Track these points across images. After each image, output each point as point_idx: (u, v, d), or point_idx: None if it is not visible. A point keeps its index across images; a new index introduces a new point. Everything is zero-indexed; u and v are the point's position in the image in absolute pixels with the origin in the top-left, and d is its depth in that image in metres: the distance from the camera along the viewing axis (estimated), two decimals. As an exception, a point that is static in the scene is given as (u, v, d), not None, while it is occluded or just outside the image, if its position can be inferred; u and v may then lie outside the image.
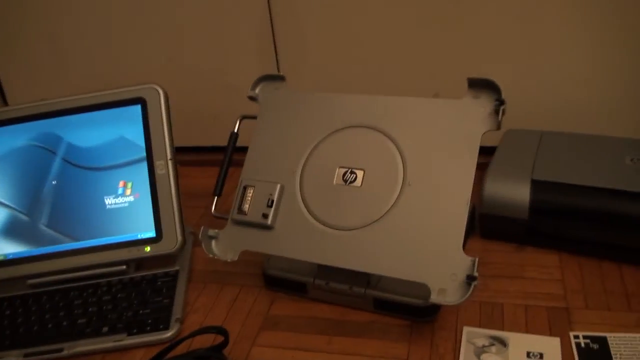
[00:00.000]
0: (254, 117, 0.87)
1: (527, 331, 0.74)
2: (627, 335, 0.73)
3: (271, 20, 1.08)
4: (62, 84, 1.25)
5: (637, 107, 1.02)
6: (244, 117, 0.88)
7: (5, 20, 1.21)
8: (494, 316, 0.77)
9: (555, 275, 0.82)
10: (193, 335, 0.74)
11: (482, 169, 0.85)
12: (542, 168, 0.86)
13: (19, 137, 0.93)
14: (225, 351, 0.73)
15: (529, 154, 0.90)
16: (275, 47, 1.11)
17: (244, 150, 0.87)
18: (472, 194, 0.73)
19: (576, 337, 0.73)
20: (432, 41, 1.04)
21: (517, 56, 1.02)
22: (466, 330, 0.75)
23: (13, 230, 0.91)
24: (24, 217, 0.91)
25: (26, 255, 0.90)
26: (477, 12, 1.00)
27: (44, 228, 0.90)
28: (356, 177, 0.78)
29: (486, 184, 0.85)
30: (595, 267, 0.83)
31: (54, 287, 0.89)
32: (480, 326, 0.75)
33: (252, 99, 0.88)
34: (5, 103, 1.29)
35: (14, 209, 0.91)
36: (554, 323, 0.75)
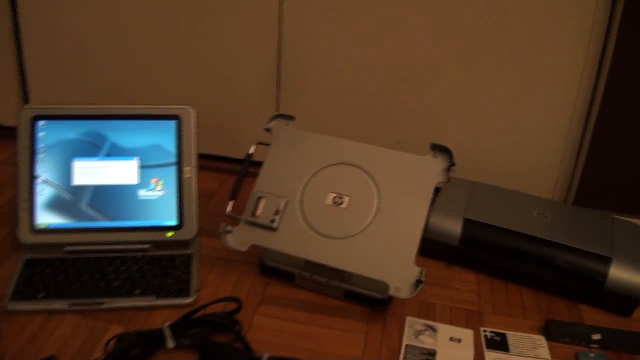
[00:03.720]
0: (265, 144, 1.14)
1: (451, 323, 1.04)
2: (520, 334, 1.03)
3: (279, 66, 1.35)
4: (82, 90, 1.45)
5: (549, 173, 1.34)
6: (259, 143, 1.15)
7: (39, 22, 1.40)
8: (428, 311, 1.06)
9: (473, 288, 1.13)
10: (216, 302, 1.00)
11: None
12: (473, 210, 1.17)
13: (71, 131, 1.12)
14: (237, 316, 1.00)
15: (464, 197, 1.21)
16: (278, 90, 1.38)
17: (254, 164, 1.13)
18: (425, 223, 1.03)
19: (484, 331, 1.03)
20: (403, 97, 1.33)
21: (465, 120, 1.33)
22: (408, 318, 1.04)
23: (57, 206, 1.11)
24: (67, 196, 1.12)
25: (66, 226, 1.11)
26: (445, 76, 1.28)
27: (84, 207, 1.12)
28: (343, 201, 1.06)
29: (431, 217, 1.16)
30: (503, 287, 1.14)
31: (91, 255, 1.10)
32: (418, 317, 1.05)
33: (267, 130, 1.15)
34: (27, 101, 1.48)
35: (59, 187, 1.12)
36: (469, 320, 1.05)
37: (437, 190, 1.17)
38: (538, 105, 1.28)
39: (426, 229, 1.15)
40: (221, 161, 1.45)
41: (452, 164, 1.04)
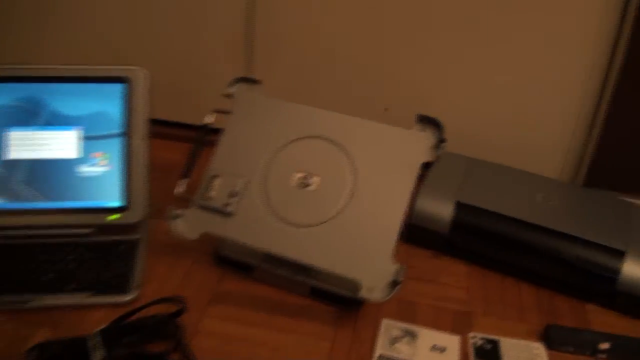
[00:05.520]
0: (225, 112, 0.98)
1: (434, 328, 0.89)
2: (516, 341, 0.88)
3: (250, 19, 1.19)
4: (42, 49, 1.31)
5: (557, 150, 1.18)
6: (216, 111, 0.99)
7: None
8: (408, 312, 0.91)
9: (463, 284, 0.97)
10: (155, 303, 0.85)
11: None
12: (466, 192, 1.01)
13: (4, 95, 0.98)
14: (179, 319, 0.85)
15: (458, 177, 1.05)
16: (249, 48, 1.22)
17: (215, 132, 0.98)
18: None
19: (473, 337, 0.88)
20: (393, 60, 1.17)
21: (464, 86, 1.17)
22: (384, 322, 0.89)
23: (-14, 181, 0.98)
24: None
25: (-4, 207, 0.98)
26: (442, 37, 1.13)
27: (17, 184, 0.98)
28: (312, 181, 0.90)
29: (418, 200, 1.00)
30: (498, 281, 0.99)
31: (20, 241, 0.96)
32: (396, 319, 0.90)
33: (227, 96, 0.98)
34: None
35: (-10, 161, 0.98)
36: (457, 323, 0.90)
37: (426, 166, 1.01)
38: (547, 73, 1.13)
39: (412, 214, 1.00)
40: (186, 129, 1.29)
41: (441, 140, 0.88)
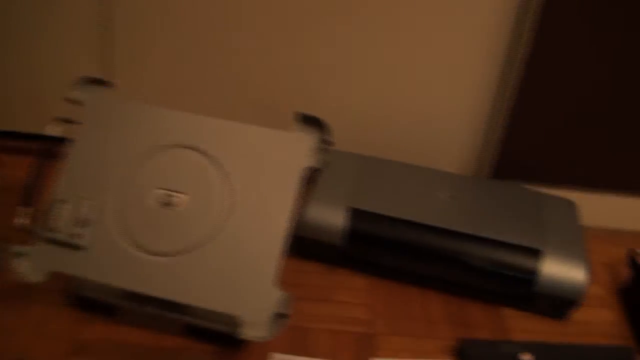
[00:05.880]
0: (71, 122, 0.82)
1: (332, 357, 0.77)
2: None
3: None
4: None
5: (460, 144, 1.07)
6: (61, 120, 0.82)
7: None
8: (302, 342, 0.79)
9: (363, 300, 0.86)
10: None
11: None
12: (360, 197, 0.89)
13: None
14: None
15: (351, 179, 0.92)
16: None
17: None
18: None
19: (377, 364, 0.77)
20: (275, 50, 1.02)
21: (358, 80, 1.03)
22: (273, 357, 0.77)
23: None
24: None
25: None
26: (330, 23, 0.99)
27: None
28: (179, 201, 0.76)
29: (306, 209, 0.87)
30: (402, 293, 0.88)
31: None
32: (287, 352, 0.77)
33: (72, 101, 0.82)
34: None
35: None
36: (358, 349, 0.78)
37: (318, 170, 0.89)
38: (445, 62, 1.01)
39: (300, 225, 0.87)
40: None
41: (326, 141, 0.75)
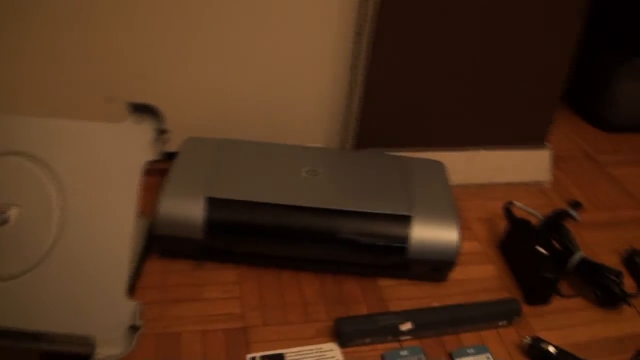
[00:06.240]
0: None
1: (205, 358, 0.72)
2: (304, 348, 0.74)
3: None
4: None
5: (319, 115, 1.03)
6: None
7: None
8: (171, 348, 0.72)
9: (234, 293, 0.80)
10: None
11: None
12: (218, 184, 0.82)
13: None
14: None
15: (207, 166, 0.85)
16: None
17: None
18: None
19: (253, 358, 0.72)
20: (111, 33, 0.92)
21: (196, 60, 0.96)
22: (142, 369, 0.71)
23: None
24: None
25: None
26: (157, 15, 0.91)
27: None
28: (9, 215, 0.68)
29: (160, 203, 0.80)
30: (274, 279, 0.83)
31: None
32: (156, 361, 0.72)
33: None
34: None
35: None
36: (231, 347, 0.73)
37: (170, 156, 0.82)
38: (295, 37, 0.97)
39: (156, 223, 0.80)
40: None
41: (161, 130, 0.69)
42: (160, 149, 0.69)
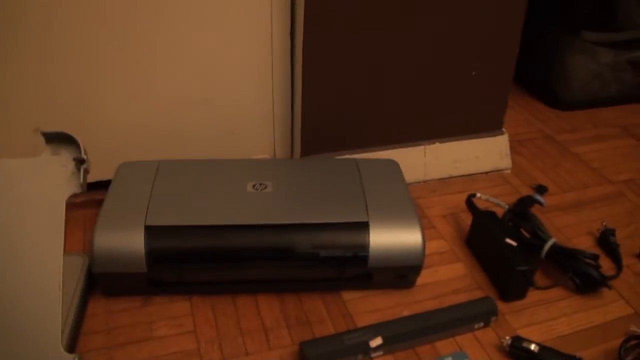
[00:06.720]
0: None
1: (160, 407, 0.65)
2: (269, 377, 0.68)
3: None
4: None
5: (262, 125, 0.96)
6: None
7: None
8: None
9: (188, 327, 0.73)
10: None
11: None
12: (158, 210, 0.75)
13: None
14: None
15: (144, 192, 0.78)
16: None
17: None
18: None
19: (211, 398, 0.66)
20: (33, 62, 0.84)
21: (124, 81, 0.88)
22: None
23: None
24: None
25: None
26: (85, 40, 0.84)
27: None
28: None
29: (95, 238, 0.72)
30: (230, 306, 0.76)
31: None
32: (105, 416, 0.65)
33: None
34: None
35: None
36: (190, 387, 0.67)
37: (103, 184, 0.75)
38: (232, 54, 0.90)
39: (93, 261, 0.73)
40: None
41: (79, 159, 0.62)
42: (81, 180, 0.62)
